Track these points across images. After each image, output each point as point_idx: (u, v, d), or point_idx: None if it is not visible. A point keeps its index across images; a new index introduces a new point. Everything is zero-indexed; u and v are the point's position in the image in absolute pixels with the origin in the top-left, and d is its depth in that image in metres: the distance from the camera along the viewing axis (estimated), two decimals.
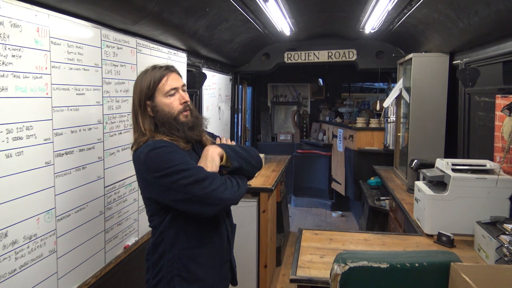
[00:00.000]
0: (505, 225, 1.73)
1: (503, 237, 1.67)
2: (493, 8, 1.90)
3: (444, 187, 2.11)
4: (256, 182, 3.33)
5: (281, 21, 3.28)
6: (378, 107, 4.74)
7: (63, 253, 1.69)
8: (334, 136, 5.74)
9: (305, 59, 4.58)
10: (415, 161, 2.83)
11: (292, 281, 1.69)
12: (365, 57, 4.44)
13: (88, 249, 1.88)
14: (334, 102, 6.33)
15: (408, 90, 3.30)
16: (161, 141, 1.40)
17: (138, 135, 1.47)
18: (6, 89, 1.36)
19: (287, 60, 4.62)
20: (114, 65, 2.07)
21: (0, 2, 1.32)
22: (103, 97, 1.98)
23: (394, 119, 4.23)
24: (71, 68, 1.72)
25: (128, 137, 2.17)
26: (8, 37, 1.36)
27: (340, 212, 5.68)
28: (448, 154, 3.01)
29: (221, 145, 1.51)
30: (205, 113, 3.76)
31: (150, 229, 1.55)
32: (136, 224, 2.35)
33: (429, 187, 2.18)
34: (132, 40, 2.25)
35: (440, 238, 2.03)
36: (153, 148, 1.36)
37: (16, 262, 1.43)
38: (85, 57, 1.82)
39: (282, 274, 3.71)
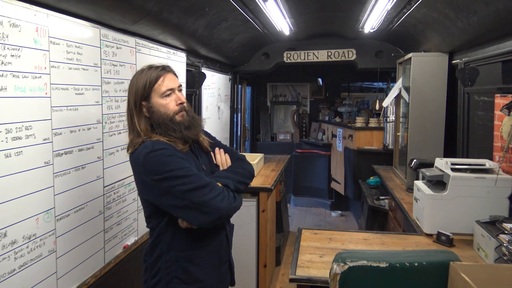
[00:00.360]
0: (504, 224, 1.74)
1: (502, 236, 1.68)
2: (492, 7, 1.90)
3: (443, 186, 2.11)
4: (255, 181, 3.31)
5: (280, 21, 3.28)
6: (377, 107, 4.75)
7: (62, 253, 1.69)
8: (334, 135, 5.74)
9: (304, 59, 4.57)
10: (415, 160, 2.84)
11: (291, 280, 1.69)
12: (364, 57, 4.43)
13: (87, 249, 1.88)
14: (334, 102, 6.32)
15: (407, 89, 3.30)
16: (160, 143, 1.39)
17: (133, 136, 1.45)
18: (5, 89, 1.36)
19: (287, 60, 4.61)
20: (113, 65, 2.07)
21: None
22: (102, 97, 1.98)
23: (393, 118, 4.23)
24: (70, 68, 1.72)
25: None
26: (7, 37, 1.36)
27: (340, 212, 5.68)
28: (447, 154, 3.01)
29: (220, 176, 1.50)
30: (205, 112, 3.76)
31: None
32: (135, 224, 2.35)
33: (429, 187, 2.18)
34: (131, 40, 2.25)
35: (439, 238, 2.03)
36: (152, 150, 1.34)
37: (16, 262, 1.43)
38: (84, 57, 1.81)
39: (281, 274, 3.71)
